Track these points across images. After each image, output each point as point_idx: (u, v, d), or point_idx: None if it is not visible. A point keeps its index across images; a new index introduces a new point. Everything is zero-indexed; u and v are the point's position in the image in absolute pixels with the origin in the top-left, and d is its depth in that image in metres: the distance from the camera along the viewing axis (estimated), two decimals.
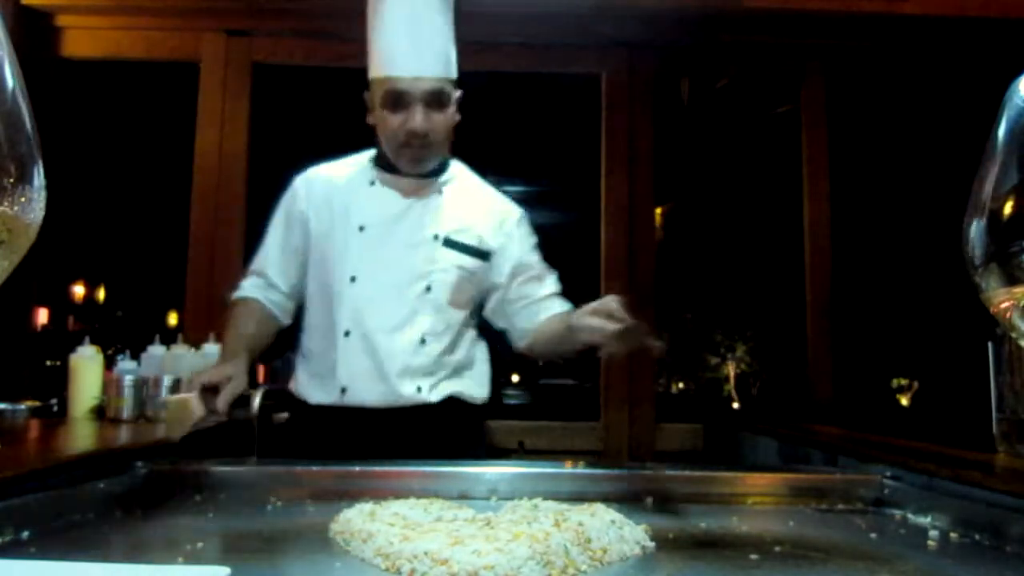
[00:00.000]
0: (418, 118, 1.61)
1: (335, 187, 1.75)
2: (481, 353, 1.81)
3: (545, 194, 4.71)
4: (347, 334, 1.65)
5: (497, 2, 2.85)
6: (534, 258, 1.81)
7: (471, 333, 1.78)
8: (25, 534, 0.93)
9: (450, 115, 1.68)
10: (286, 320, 1.80)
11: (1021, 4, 2.70)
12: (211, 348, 2.22)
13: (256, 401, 2.07)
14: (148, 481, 1.25)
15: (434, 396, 1.66)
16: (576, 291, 1.81)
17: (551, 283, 1.80)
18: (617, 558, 0.85)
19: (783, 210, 3.15)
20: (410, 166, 1.69)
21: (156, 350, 2.19)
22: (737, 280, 4.82)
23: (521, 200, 1.88)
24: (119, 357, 2.23)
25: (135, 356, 2.21)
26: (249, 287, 1.77)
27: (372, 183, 1.73)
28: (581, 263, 2.93)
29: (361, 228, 1.68)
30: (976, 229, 0.45)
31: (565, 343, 1.62)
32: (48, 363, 4.62)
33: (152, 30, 2.86)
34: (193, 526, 1.06)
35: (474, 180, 1.83)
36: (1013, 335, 0.46)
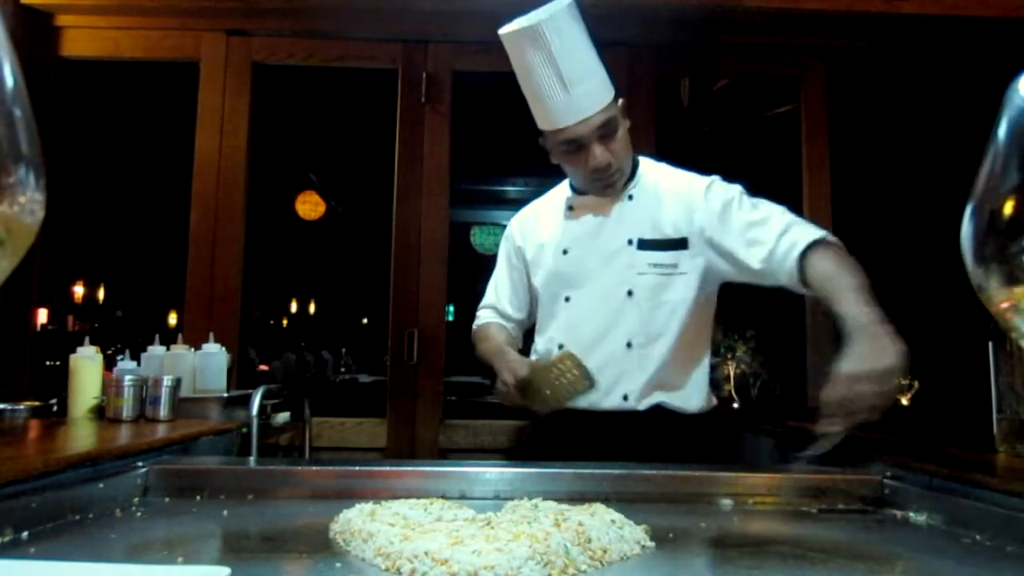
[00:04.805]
0: (597, 155, 1.68)
1: (540, 220, 1.90)
2: (702, 365, 1.79)
3: None
4: (560, 347, 1.74)
5: (497, 2, 2.84)
6: (740, 214, 1.71)
7: (693, 339, 1.76)
8: (25, 534, 0.93)
9: (624, 134, 1.73)
10: (521, 337, 1.99)
11: (1020, 4, 2.70)
12: (211, 348, 2.22)
13: (256, 401, 2.08)
14: (148, 481, 1.25)
15: (641, 405, 1.71)
16: None
17: (776, 223, 1.66)
18: (617, 558, 0.85)
19: None
20: (603, 192, 1.78)
21: (156, 350, 2.19)
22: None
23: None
24: (119, 357, 2.23)
25: (135, 356, 2.21)
26: (486, 316, 1.98)
27: (570, 208, 1.84)
28: None
29: (565, 251, 1.81)
30: (976, 229, 0.45)
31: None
32: (48, 363, 4.61)
33: (152, 30, 2.86)
34: (193, 526, 1.06)
35: (660, 172, 1.84)
36: (1013, 335, 0.46)
